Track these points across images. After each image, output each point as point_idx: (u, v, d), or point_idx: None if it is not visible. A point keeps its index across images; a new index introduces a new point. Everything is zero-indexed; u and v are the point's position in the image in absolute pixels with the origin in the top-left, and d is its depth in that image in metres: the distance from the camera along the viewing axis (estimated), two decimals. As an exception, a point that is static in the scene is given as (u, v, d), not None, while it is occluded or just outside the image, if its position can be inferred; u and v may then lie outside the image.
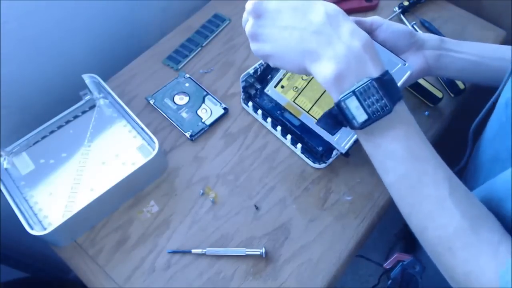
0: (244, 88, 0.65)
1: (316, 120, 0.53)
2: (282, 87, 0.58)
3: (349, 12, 0.78)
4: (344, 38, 0.39)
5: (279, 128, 0.62)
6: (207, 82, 0.71)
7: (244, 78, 0.63)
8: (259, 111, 0.65)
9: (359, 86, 0.38)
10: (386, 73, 0.39)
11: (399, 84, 0.52)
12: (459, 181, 0.41)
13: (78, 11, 0.66)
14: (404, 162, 0.40)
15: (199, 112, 0.67)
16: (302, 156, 0.62)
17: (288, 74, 0.60)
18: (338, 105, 0.39)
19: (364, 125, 0.39)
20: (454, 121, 0.69)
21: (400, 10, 0.77)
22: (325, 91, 0.57)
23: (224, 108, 0.67)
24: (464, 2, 0.79)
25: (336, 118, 0.41)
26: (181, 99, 0.68)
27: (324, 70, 0.39)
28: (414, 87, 0.68)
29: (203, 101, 0.68)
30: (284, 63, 0.43)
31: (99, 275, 0.55)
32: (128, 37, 0.78)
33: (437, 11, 0.78)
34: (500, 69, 0.53)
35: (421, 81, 0.67)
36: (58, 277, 0.93)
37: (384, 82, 0.38)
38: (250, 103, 0.65)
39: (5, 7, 0.56)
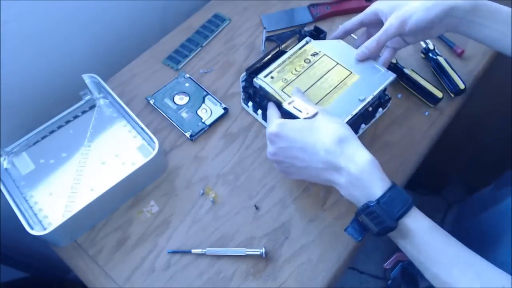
0: (244, 88, 0.65)
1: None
2: (272, 77, 0.60)
3: (349, 12, 0.79)
4: (347, 168, 0.46)
5: (279, 128, 0.62)
6: (207, 82, 0.71)
7: (244, 78, 0.63)
8: (259, 111, 0.65)
9: (364, 210, 0.44)
10: (385, 194, 0.44)
11: (381, 87, 0.57)
12: (484, 266, 0.43)
13: (78, 11, 0.66)
14: (428, 267, 0.44)
15: (199, 112, 0.67)
16: (302, 156, 0.62)
17: (279, 68, 0.61)
18: (356, 219, 0.47)
19: (379, 235, 0.45)
20: (454, 121, 0.69)
21: (400, 10, 0.77)
22: (312, 84, 0.59)
23: (224, 108, 0.67)
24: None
25: (360, 225, 0.47)
26: (181, 99, 0.68)
27: (342, 191, 0.48)
28: (414, 87, 0.68)
29: (203, 101, 0.68)
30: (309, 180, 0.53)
31: (99, 275, 0.55)
32: (128, 37, 0.78)
33: (437, 11, 0.78)
34: None
35: (421, 81, 0.67)
36: (58, 277, 0.93)
37: (384, 204, 0.43)
38: (250, 103, 0.65)
39: (5, 7, 0.56)
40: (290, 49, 0.63)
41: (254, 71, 0.61)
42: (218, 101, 0.68)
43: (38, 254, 0.81)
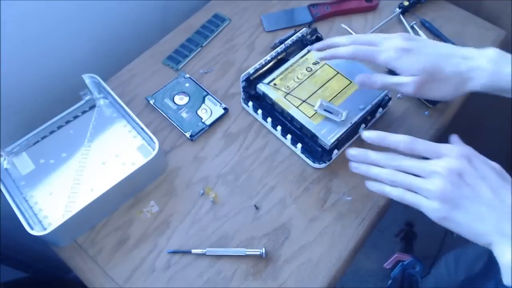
0: (244, 88, 0.65)
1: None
2: (275, 84, 0.62)
3: (349, 12, 0.79)
4: None
5: (279, 128, 0.62)
6: (207, 82, 0.71)
7: (244, 78, 0.63)
8: (259, 111, 0.65)
9: None
10: None
11: (380, 97, 0.60)
12: None
13: (78, 11, 0.66)
14: None
15: (199, 112, 0.67)
16: (302, 156, 0.62)
17: (282, 75, 0.63)
18: None
19: None
20: (454, 121, 0.69)
21: (400, 10, 0.77)
22: (314, 92, 0.61)
23: (224, 108, 0.67)
24: (464, 2, 0.79)
25: None
26: (181, 99, 0.68)
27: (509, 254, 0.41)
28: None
29: (203, 101, 0.68)
30: (466, 230, 0.44)
31: (99, 275, 0.55)
32: (128, 37, 0.78)
33: (437, 11, 0.78)
34: None
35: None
36: (58, 277, 0.93)
37: None
38: (250, 103, 0.65)
39: (5, 7, 0.56)
40: (292, 57, 0.65)
41: (257, 77, 0.64)
42: (218, 101, 0.68)
43: (38, 254, 0.81)
